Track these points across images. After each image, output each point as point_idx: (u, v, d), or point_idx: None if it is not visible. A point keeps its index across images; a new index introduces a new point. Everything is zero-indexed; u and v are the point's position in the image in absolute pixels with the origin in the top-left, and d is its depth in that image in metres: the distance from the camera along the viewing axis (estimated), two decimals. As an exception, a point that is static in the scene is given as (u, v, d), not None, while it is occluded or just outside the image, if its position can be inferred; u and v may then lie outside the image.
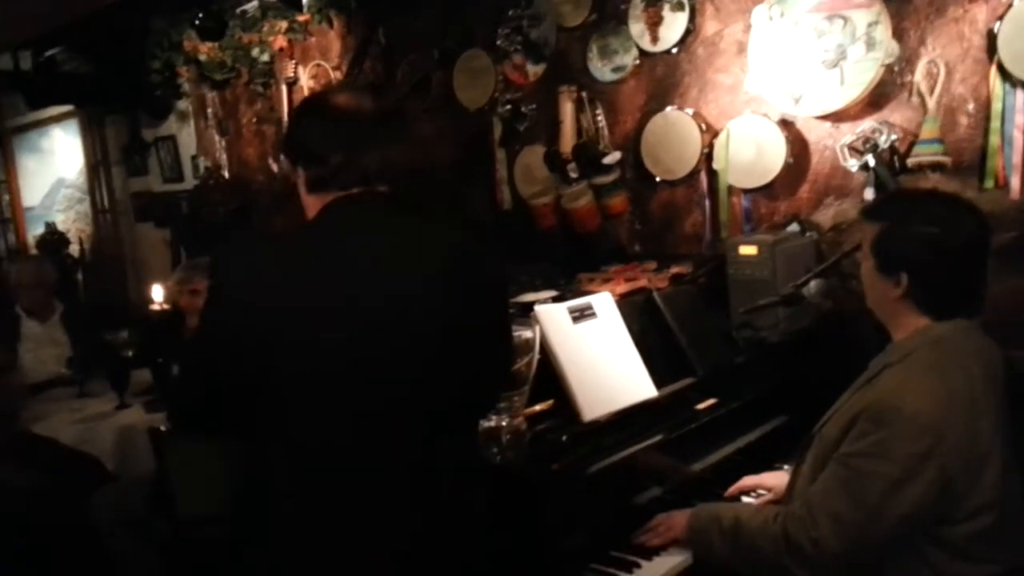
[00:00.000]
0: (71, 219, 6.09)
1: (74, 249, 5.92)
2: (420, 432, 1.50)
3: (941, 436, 1.51)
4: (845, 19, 2.59)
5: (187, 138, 5.20)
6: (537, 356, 1.86)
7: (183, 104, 5.09)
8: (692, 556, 1.84)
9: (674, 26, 2.95)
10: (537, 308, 2.04)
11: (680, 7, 2.93)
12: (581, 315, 2.08)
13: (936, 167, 2.49)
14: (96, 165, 5.78)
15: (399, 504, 1.49)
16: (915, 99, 2.55)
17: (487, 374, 1.66)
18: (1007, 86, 2.39)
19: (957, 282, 1.65)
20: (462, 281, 1.53)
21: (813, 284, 2.16)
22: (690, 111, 2.98)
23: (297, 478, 1.48)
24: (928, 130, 2.49)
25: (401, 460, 1.50)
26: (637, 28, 3.04)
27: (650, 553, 1.82)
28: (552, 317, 2.02)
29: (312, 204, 1.57)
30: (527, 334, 1.86)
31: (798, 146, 2.78)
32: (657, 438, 2.01)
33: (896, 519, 1.54)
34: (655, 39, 2.98)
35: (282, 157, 4.26)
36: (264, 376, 1.45)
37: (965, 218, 1.66)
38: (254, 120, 4.77)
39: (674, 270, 2.68)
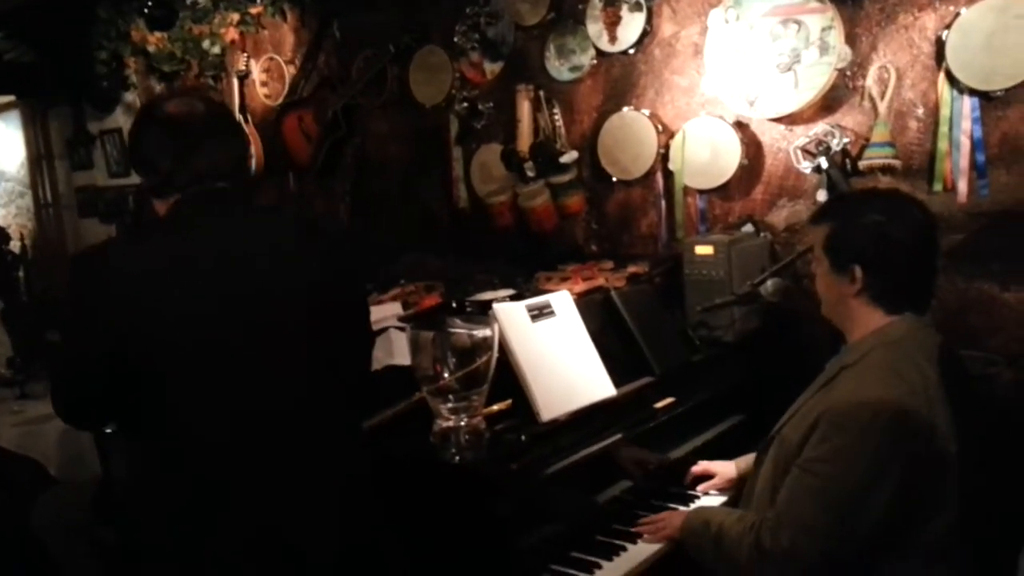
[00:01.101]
0: (11, 214, 5.91)
1: (15, 245, 5.72)
2: (287, 420, 1.61)
3: (902, 436, 1.53)
4: (799, 24, 2.62)
5: (134, 131, 5.07)
6: (496, 355, 1.84)
7: (130, 96, 4.95)
8: (657, 556, 1.85)
9: (631, 27, 2.96)
10: (495, 306, 2.03)
11: (638, 7, 2.94)
12: (540, 314, 2.08)
13: (887, 170, 2.54)
14: (38, 158, 5.61)
15: (277, 495, 1.58)
16: (867, 103, 2.59)
17: (348, 358, 1.76)
18: (955, 92, 2.44)
19: (909, 271, 1.68)
20: (311, 268, 1.66)
21: (770, 283, 2.19)
22: (646, 112, 2.99)
23: (172, 472, 1.58)
24: (879, 134, 2.54)
25: (272, 451, 1.59)
26: (595, 28, 3.04)
27: (610, 553, 1.82)
28: (510, 315, 2.01)
29: (159, 207, 1.69)
30: (485, 332, 1.84)
31: (752, 148, 2.81)
32: (616, 437, 2.01)
33: (866, 523, 1.55)
34: (613, 39, 2.99)
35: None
36: (130, 371, 1.54)
37: (910, 208, 1.70)
38: (204, 114, 4.66)
39: (631, 269, 2.69)
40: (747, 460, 2.06)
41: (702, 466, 2.16)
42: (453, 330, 1.84)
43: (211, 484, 1.57)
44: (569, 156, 3.10)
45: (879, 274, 1.67)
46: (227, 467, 1.57)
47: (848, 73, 2.61)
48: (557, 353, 2.04)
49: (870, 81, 2.56)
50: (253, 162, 4.27)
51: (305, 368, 1.65)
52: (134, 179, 5.06)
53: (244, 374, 1.58)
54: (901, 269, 1.67)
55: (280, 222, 1.76)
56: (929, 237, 1.69)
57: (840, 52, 2.56)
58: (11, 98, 5.53)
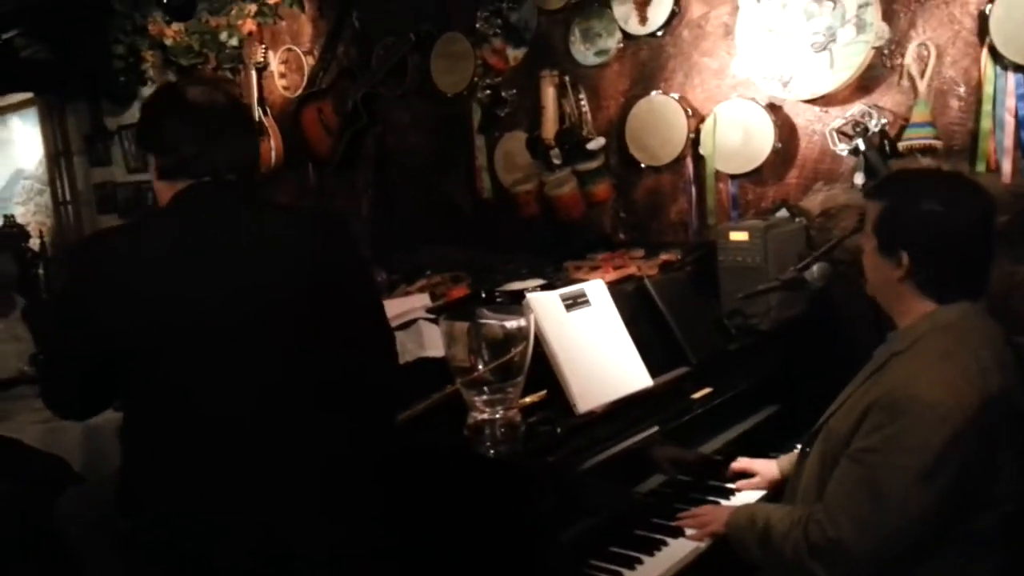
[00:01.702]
0: (31, 212, 5.90)
1: (34, 243, 5.73)
2: (290, 408, 1.62)
3: (958, 425, 1.46)
4: (835, 1, 2.54)
5: (152, 126, 5.04)
6: (532, 345, 1.78)
7: (148, 91, 4.91)
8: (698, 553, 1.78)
9: (660, 8, 2.89)
10: (529, 296, 1.97)
11: (667, -13, 2.87)
12: (574, 303, 2.01)
13: (927, 151, 2.46)
14: (56, 155, 5.59)
15: (268, 487, 1.59)
16: (905, 82, 2.51)
17: (362, 353, 1.74)
18: (998, 69, 2.35)
19: (960, 263, 1.60)
20: (312, 261, 1.65)
21: (816, 268, 2.11)
22: (676, 95, 2.92)
23: (170, 457, 1.58)
24: (919, 113, 2.46)
25: (274, 437, 1.60)
26: (621, 10, 2.97)
27: (651, 548, 1.75)
28: (545, 305, 1.95)
29: (163, 190, 1.68)
30: (520, 322, 1.78)
31: (786, 131, 2.73)
32: (653, 430, 1.94)
33: (919, 514, 1.48)
34: (643, 19, 2.92)
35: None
36: (127, 359, 1.55)
37: (970, 197, 1.61)
38: (222, 107, 4.62)
39: (663, 257, 2.63)
40: (789, 460, 1.99)
41: (743, 463, 2.08)
42: (487, 321, 1.78)
43: (203, 471, 1.58)
44: (596, 143, 3.03)
45: (927, 264, 1.59)
46: (216, 453, 1.58)
47: (886, 51, 2.53)
48: (592, 343, 1.98)
49: (909, 59, 2.48)
50: (273, 156, 4.23)
51: (298, 360, 1.64)
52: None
53: (237, 363, 1.59)
54: (952, 260, 1.59)
55: (285, 216, 1.77)
56: (987, 225, 1.60)
57: (877, 30, 2.48)
58: (29, 95, 5.52)
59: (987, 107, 2.38)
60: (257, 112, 4.28)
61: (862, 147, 2.53)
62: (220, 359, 1.58)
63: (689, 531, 1.83)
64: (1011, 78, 2.34)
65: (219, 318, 1.57)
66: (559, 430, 1.83)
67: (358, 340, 1.74)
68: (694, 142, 2.89)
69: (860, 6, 2.50)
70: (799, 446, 2.25)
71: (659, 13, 2.89)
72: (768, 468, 2.03)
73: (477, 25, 3.37)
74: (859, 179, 2.57)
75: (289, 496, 1.61)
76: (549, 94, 3.12)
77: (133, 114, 5.12)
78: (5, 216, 5.85)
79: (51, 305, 4.67)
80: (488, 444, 1.76)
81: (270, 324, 1.60)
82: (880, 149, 2.53)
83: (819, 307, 2.58)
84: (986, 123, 2.39)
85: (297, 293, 1.63)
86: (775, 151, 2.72)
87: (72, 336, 1.60)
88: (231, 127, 1.68)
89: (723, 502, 1.98)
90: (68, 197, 5.64)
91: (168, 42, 4.33)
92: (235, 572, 1.60)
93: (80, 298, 1.59)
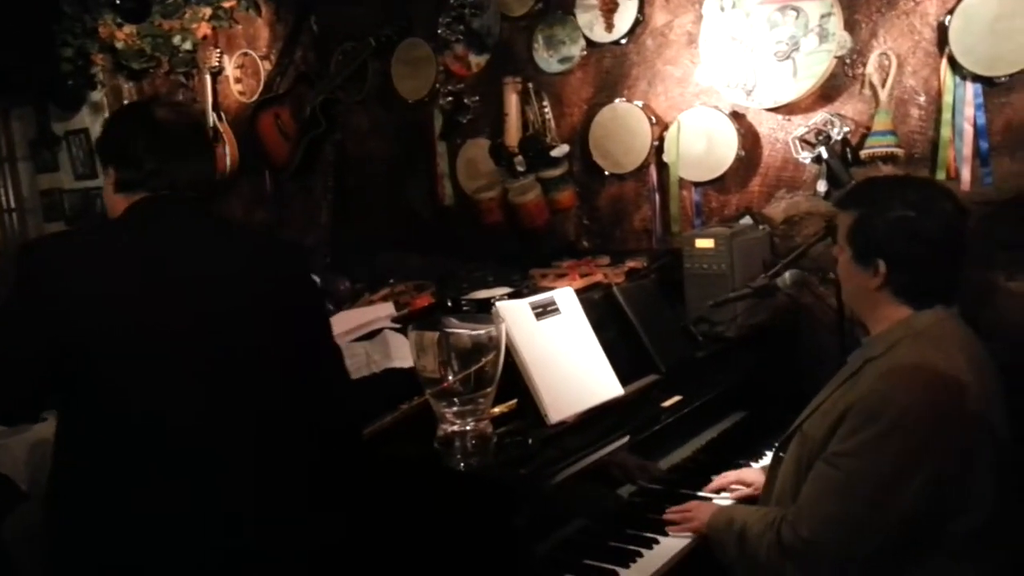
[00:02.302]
0: (-28, 219, 5.68)
1: (-24, 252, 5.53)
2: (231, 420, 1.60)
3: (934, 430, 1.47)
4: (798, 11, 2.56)
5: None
6: (503, 354, 1.74)
7: (97, 95, 4.74)
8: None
9: (625, 16, 2.88)
10: (499, 304, 1.94)
11: (630, -4, 2.87)
12: (544, 311, 1.99)
13: (888, 159, 2.49)
14: (0, 161, 5.40)
15: (213, 500, 1.56)
16: (867, 91, 2.54)
17: (315, 373, 1.74)
18: (957, 79, 2.39)
19: (935, 268, 1.61)
20: (264, 275, 1.68)
21: (788, 274, 2.12)
22: (639, 103, 2.91)
23: (100, 463, 1.55)
24: (880, 122, 2.48)
25: (213, 453, 1.58)
26: (585, 18, 2.96)
27: (627, 560, 1.73)
28: (514, 314, 1.92)
29: (117, 202, 1.70)
30: (490, 331, 1.75)
31: (750, 139, 2.74)
32: (625, 439, 1.92)
33: (892, 519, 1.48)
34: (609, 27, 2.90)
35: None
36: (69, 364, 1.53)
37: (941, 202, 1.62)
38: (175, 113, 4.51)
39: (629, 264, 2.62)
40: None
41: (734, 475, 2.08)
42: (457, 330, 1.74)
43: (134, 480, 1.55)
44: (560, 150, 3.01)
45: (904, 270, 1.60)
46: (151, 464, 1.55)
47: (848, 61, 2.55)
48: (563, 352, 1.96)
49: (871, 68, 2.51)
50: (228, 162, 4.14)
51: (243, 372, 1.63)
52: (100, 181, 4.85)
53: (177, 374, 1.57)
54: (927, 266, 1.60)
55: (235, 233, 1.83)
56: (959, 231, 1.62)
57: (840, 39, 2.50)
58: (-30, 99, 5.32)
59: (947, 116, 2.42)
60: (212, 118, 4.19)
61: (825, 155, 2.54)
62: (162, 369, 1.56)
63: (673, 529, 1.83)
64: (969, 88, 2.38)
65: (167, 328, 1.56)
66: (530, 441, 1.80)
67: (308, 357, 1.73)
68: (658, 150, 2.89)
69: (823, 16, 2.52)
70: (770, 452, 2.29)
71: (624, 21, 2.89)
72: (759, 477, 2.01)
73: (439, 31, 3.33)
74: (822, 187, 2.59)
75: (232, 513, 1.59)
76: (512, 101, 3.09)
77: (82, 119, 4.95)
78: (-55, 224, 5.64)
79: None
80: (459, 457, 1.72)
81: (217, 338, 1.59)
82: (842, 157, 2.55)
83: (784, 314, 2.60)
84: (946, 132, 2.42)
85: (245, 305, 1.64)
86: (738, 159, 2.72)
87: (12, 338, 1.56)
88: (193, 148, 1.74)
89: (713, 497, 1.99)
90: (12, 204, 5.44)
91: (119, 45, 4.20)
92: None
93: (25, 300, 1.56)
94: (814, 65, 2.55)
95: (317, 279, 1.94)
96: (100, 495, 1.55)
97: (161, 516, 1.54)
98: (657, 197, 2.93)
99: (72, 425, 1.60)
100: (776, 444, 2.28)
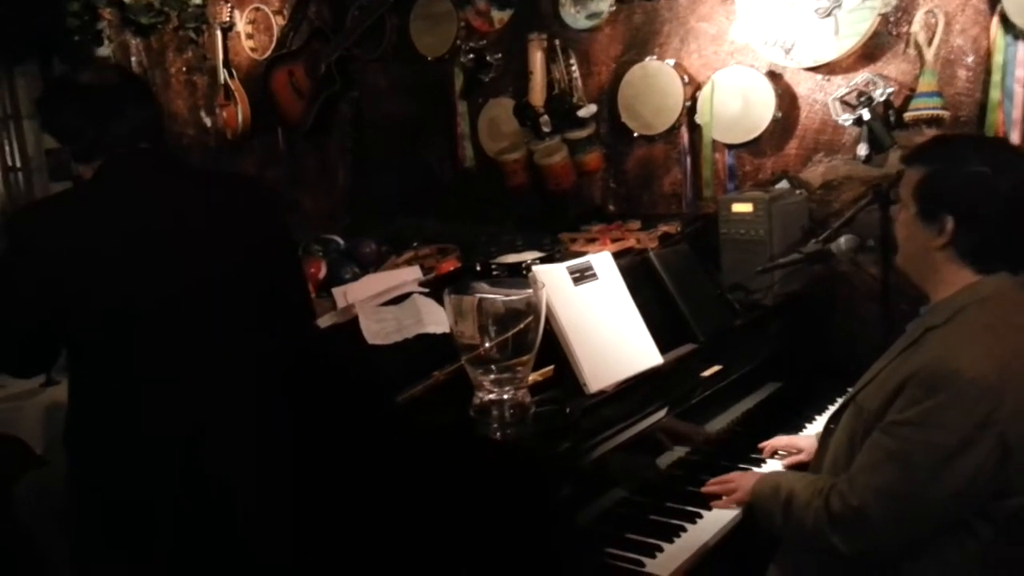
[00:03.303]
0: (-23, 178, 5.59)
1: (-19, 210, 5.44)
2: (221, 360, 1.77)
3: (1000, 402, 1.39)
4: (842, -36, 2.45)
5: (108, 89, 4.78)
6: (543, 320, 1.67)
7: (104, 51, 4.63)
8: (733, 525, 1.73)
9: (658, -31, 2.77)
10: (536, 268, 1.86)
11: (663, -52, 2.75)
12: (581, 276, 1.91)
13: (933, 121, 2.40)
14: (5, 119, 5.28)
15: (209, 428, 1.75)
16: (911, 51, 2.43)
17: (279, 312, 1.88)
18: (1009, 38, 2.29)
19: (1004, 229, 1.51)
20: (232, 213, 1.81)
21: (843, 240, 2.02)
22: (671, 62, 2.81)
23: (107, 404, 1.73)
24: (926, 83, 2.38)
25: (207, 389, 1.76)
26: (615, -29, 2.85)
27: (670, 535, 1.67)
28: (552, 279, 1.84)
29: (83, 172, 1.80)
30: (529, 296, 1.67)
31: (787, 99, 2.64)
32: (664, 411, 1.85)
33: (949, 492, 1.42)
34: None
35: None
36: (68, 316, 1.68)
37: (1016, 161, 1.53)
38: (184, 70, 4.40)
39: (662, 229, 2.53)
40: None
41: (785, 440, 2.02)
42: (495, 295, 1.67)
43: (137, 418, 1.72)
44: (587, 110, 2.91)
45: (972, 229, 1.51)
46: (151, 406, 1.72)
47: (892, 18, 2.45)
48: (601, 319, 1.88)
49: (916, 27, 2.40)
50: (240, 120, 4.04)
51: (225, 319, 1.78)
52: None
53: (168, 326, 1.72)
54: (998, 226, 1.51)
55: (198, 176, 1.95)
56: None
57: (885, -5, 2.39)
58: (-27, 55, 5.20)
59: (996, 77, 2.32)
60: (223, 75, 4.09)
61: (867, 117, 2.45)
62: (153, 317, 1.70)
63: (717, 504, 1.77)
64: (1022, 48, 2.28)
65: (150, 281, 1.70)
66: (568, 411, 1.73)
67: (285, 301, 1.91)
68: (690, 110, 2.79)
69: (868, -30, 2.41)
70: (807, 424, 2.22)
71: (658, -26, 2.77)
72: (810, 443, 1.95)
73: (460, -15, 3.22)
74: (862, 150, 2.50)
75: (222, 441, 1.76)
76: (537, 59, 2.98)
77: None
78: (-51, 183, 5.55)
79: None
80: (496, 427, 1.66)
81: (200, 285, 1.74)
82: (885, 120, 2.46)
83: (820, 282, 2.52)
84: (995, 94, 2.32)
85: (217, 247, 1.76)
86: (775, 120, 2.63)
87: (11, 299, 1.70)
88: (129, 102, 1.78)
89: (754, 469, 1.92)
90: (18, 163, 5.34)
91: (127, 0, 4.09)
92: (166, 510, 1.73)
93: (16, 265, 1.70)
94: (857, 23, 2.44)
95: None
96: (104, 426, 1.74)
97: (160, 439, 1.72)
98: (688, 160, 2.84)
99: (78, 369, 1.77)
100: (815, 415, 2.27)
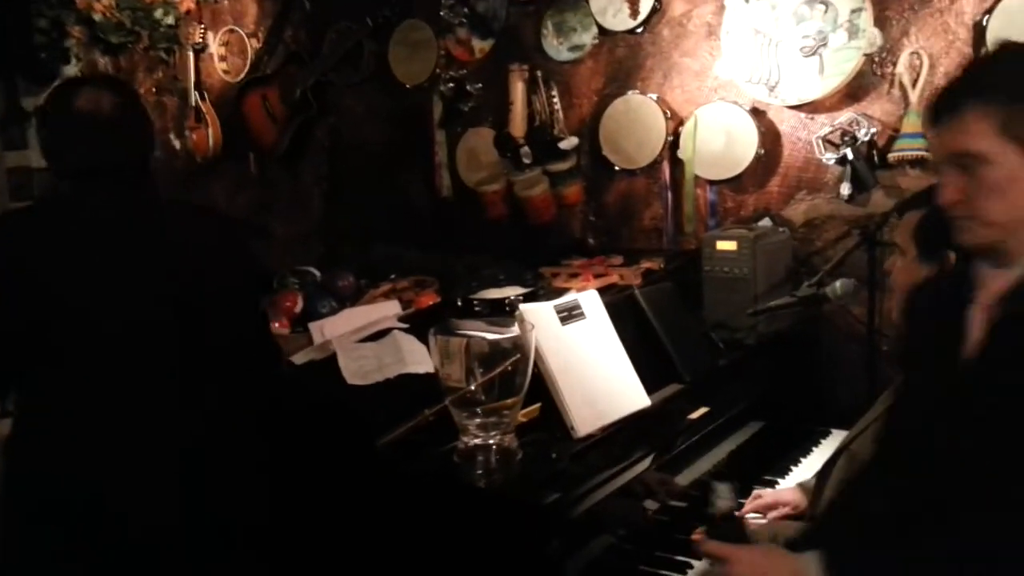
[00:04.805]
0: (-67, 196, 5.42)
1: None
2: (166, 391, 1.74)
3: None
4: (827, 5, 2.46)
5: (74, 108, 4.66)
6: (532, 362, 1.61)
7: (71, 70, 4.51)
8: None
9: (641, 2, 2.75)
10: (523, 307, 1.80)
11: (649, -19, 2.73)
12: (569, 315, 1.85)
13: (917, 163, 2.40)
14: (-35, 136, 5.14)
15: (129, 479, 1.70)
16: (896, 91, 2.44)
17: (238, 322, 1.86)
18: (992, 81, 2.30)
19: None
20: (193, 248, 1.79)
21: (839, 284, 1.99)
22: (654, 96, 2.79)
23: (49, 420, 1.71)
24: (910, 124, 2.39)
25: (150, 418, 1.72)
26: (598, 3, 2.83)
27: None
28: (540, 318, 1.78)
29: (59, 188, 1.84)
30: (515, 336, 1.62)
31: (770, 137, 2.63)
32: (651, 457, 1.79)
33: None
34: (635, 13, 2.75)
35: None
36: (24, 336, 1.68)
37: None
38: (154, 90, 4.31)
39: (645, 265, 2.50)
40: (811, 481, 1.87)
41: (771, 496, 1.96)
42: (481, 334, 1.61)
43: (80, 446, 1.69)
44: (569, 142, 2.88)
45: None
46: (93, 435, 1.69)
47: (877, 59, 2.46)
48: (589, 360, 1.83)
49: (901, 68, 2.41)
50: (211, 144, 3.95)
51: (170, 348, 1.75)
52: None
53: (113, 351, 1.70)
54: None
55: (176, 211, 1.94)
56: None
57: (870, 36, 2.40)
58: (-66, 70, 5.05)
59: (979, 120, 2.32)
60: (194, 97, 4.00)
61: (850, 156, 2.45)
62: (104, 340, 1.69)
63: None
64: (1005, 91, 2.28)
65: (108, 305, 1.69)
66: (555, 456, 1.67)
67: (236, 332, 1.86)
68: (672, 145, 2.77)
69: (853, 11, 2.41)
70: (792, 467, 2.18)
71: (641, 7, 2.75)
72: (795, 496, 1.89)
73: (441, 13, 3.19)
74: (845, 189, 2.50)
75: (158, 482, 1.72)
76: (518, 89, 2.95)
77: (53, 94, 4.73)
78: (-96, 200, 5.37)
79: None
80: (481, 473, 1.59)
81: (158, 311, 1.73)
82: (868, 159, 2.46)
83: (803, 322, 2.50)
84: (977, 136, 2.32)
85: (185, 279, 1.75)
86: (758, 157, 2.62)
87: None
88: (118, 129, 1.77)
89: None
90: (-23, 181, 5.19)
91: (97, 17, 3.99)
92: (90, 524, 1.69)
93: None
94: (842, 62, 2.45)
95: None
96: (32, 445, 1.73)
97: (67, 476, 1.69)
98: (670, 195, 2.82)
99: (28, 383, 1.75)
100: (800, 457, 2.23)
